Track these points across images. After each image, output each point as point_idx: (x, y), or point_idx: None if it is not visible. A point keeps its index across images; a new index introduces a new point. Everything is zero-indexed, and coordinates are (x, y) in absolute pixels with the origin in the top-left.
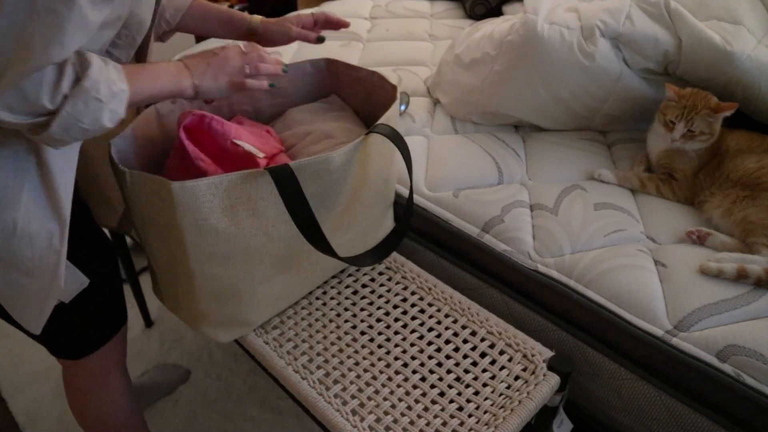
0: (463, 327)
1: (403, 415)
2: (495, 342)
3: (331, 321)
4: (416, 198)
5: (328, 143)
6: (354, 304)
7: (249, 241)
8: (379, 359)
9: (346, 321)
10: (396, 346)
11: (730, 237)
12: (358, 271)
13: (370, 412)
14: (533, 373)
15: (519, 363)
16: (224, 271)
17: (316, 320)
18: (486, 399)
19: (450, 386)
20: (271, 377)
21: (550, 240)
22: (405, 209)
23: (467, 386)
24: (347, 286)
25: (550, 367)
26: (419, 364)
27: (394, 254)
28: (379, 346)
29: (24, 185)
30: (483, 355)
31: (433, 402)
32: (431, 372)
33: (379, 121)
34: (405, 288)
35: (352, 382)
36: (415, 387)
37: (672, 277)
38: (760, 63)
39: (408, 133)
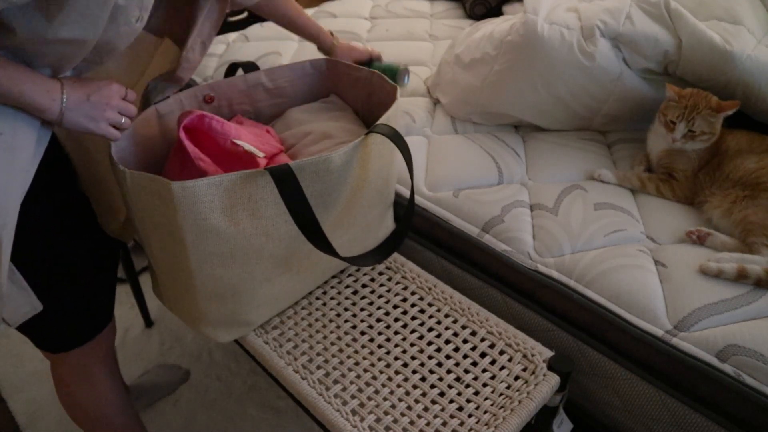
0: (463, 327)
1: (403, 415)
2: (495, 342)
3: (331, 321)
4: (416, 198)
5: (328, 143)
6: (354, 304)
7: (249, 241)
8: (379, 359)
9: (346, 321)
10: (396, 346)
11: (730, 237)
12: (358, 271)
13: (370, 412)
14: (533, 373)
15: (519, 363)
16: (224, 271)
17: (316, 320)
18: (486, 399)
19: (450, 386)
20: (271, 377)
21: (550, 240)
22: (406, 209)
23: (467, 386)
24: (347, 286)
25: (550, 367)
26: (419, 364)
27: (394, 254)
28: (379, 346)
29: None
30: (483, 355)
31: (433, 402)
32: (431, 372)
33: (379, 121)
34: (405, 288)
35: (352, 382)
36: (415, 387)
37: (672, 277)
38: (760, 63)
39: (408, 133)
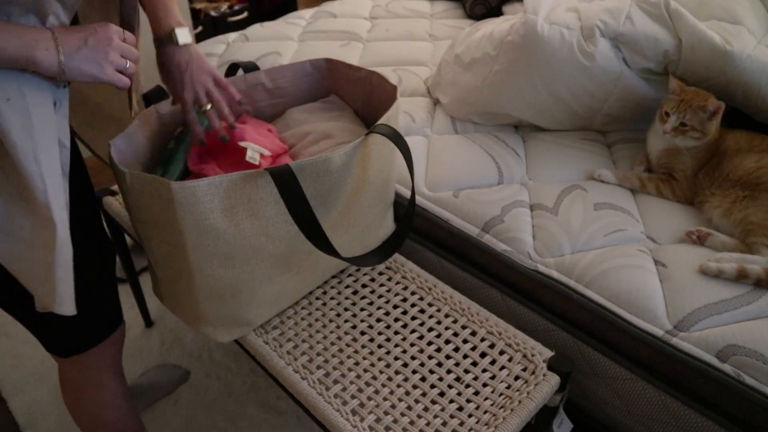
0: (463, 327)
1: (403, 415)
2: (495, 342)
3: (331, 321)
4: (416, 198)
5: (328, 143)
6: (354, 304)
7: (249, 241)
8: (379, 359)
9: (346, 321)
10: (396, 346)
11: (730, 237)
12: (358, 271)
13: (370, 412)
14: (533, 373)
15: (519, 363)
16: (224, 271)
17: (316, 320)
18: (486, 399)
19: (450, 386)
20: (271, 377)
21: (550, 240)
22: (407, 209)
23: (467, 386)
24: (347, 286)
25: (550, 367)
26: (419, 364)
27: (394, 254)
28: (379, 346)
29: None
30: (483, 355)
31: (433, 402)
32: (431, 372)
33: (380, 121)
34: (405, 288)
35: (352, 382)
36: (415, 387)
37: (672, 277)
38: (760, 63)
39: (408, 133)
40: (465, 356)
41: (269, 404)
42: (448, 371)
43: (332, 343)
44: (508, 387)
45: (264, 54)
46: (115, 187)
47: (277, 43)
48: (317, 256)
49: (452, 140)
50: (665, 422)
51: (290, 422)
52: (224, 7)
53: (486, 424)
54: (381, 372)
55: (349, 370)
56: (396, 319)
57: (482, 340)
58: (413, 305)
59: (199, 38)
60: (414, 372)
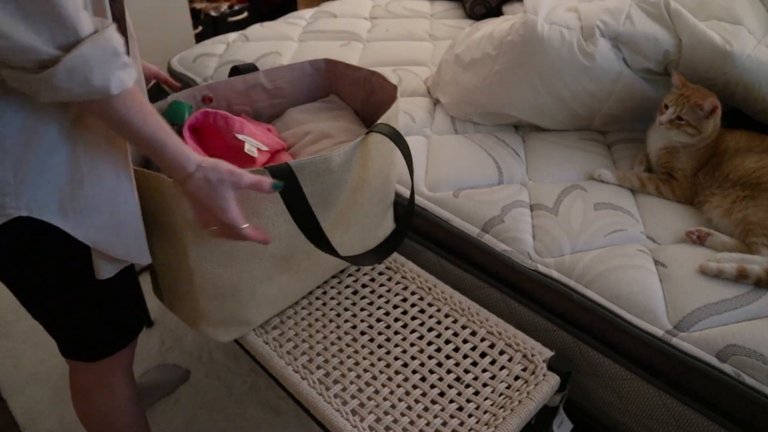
0: (463, 327)
1: (403, 415)
2: (495, 342)
3: (331, 321)
4: (416, 198)
5: (328, 143)
6: (354, 304)
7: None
8: (379, 359)
9: (346, 321)
10: (396, 346)
11: (730, 237)
12: (358, 271)
13: (370, 412)
14: (533, 373)
15: (519, 363)
16: (224, 270)
17: (316, 320)
18: (486, 399)
19: (450, 386)
20: (271, 377)
21: (550, 240)
22: (406, 209)
23: (467, 386)
24: (347, 286)
25: (550, 367)
26: (419, 364)
27: (394, 254)
28: (379, 346)
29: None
30: (483, 355)
31: (433, 402)
32: (431, 372)
33: (379, 121)
34: (405, 288)
35: (352, 382)
36: (415, 387)
37: (672, 277)
38: (760, 63)
39: (408, 133)
40: (465, 356)
41: (269, 404)
42: (448, 371)
43: (332, 343)
44: (508, 387)
45: (264, 54)
46: None
47: (277, 43)
48: (317, 256)
49: (452, 140)
50: (665, 422)
51: (290, 422)
52: (224, 7)
53: (486, 424)
54: (381, 372)
55: (349, 370)
56: (396, 319)
57: (482, 340)
58: (413, 305)
59: (199, 38)
60: (414, 372)
